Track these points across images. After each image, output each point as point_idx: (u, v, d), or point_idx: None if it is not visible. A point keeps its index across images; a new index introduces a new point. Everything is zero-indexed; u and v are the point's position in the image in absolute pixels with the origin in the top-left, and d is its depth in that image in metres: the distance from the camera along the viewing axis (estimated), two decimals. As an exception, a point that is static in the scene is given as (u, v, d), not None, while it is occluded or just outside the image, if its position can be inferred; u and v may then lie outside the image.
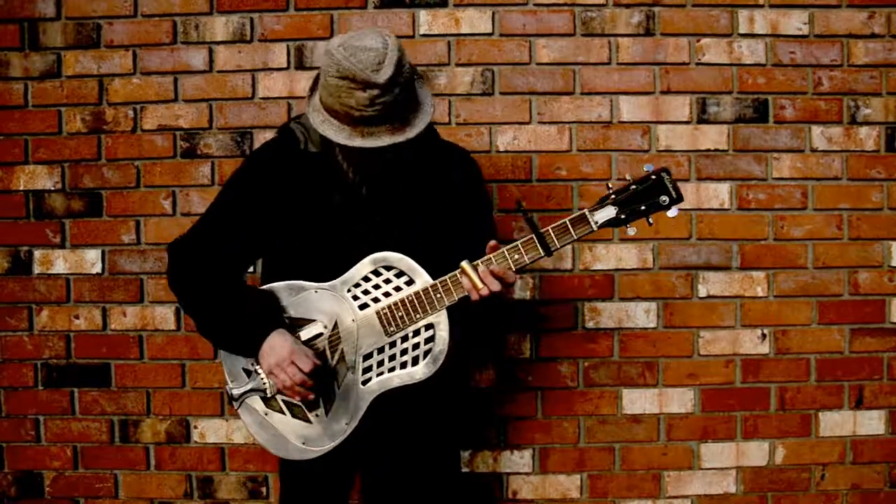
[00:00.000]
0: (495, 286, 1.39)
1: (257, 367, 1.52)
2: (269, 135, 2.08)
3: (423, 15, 2.09)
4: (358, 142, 1.37)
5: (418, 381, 1.46)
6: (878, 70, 2.10)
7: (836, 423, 2.14)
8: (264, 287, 1.54)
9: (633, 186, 1.39)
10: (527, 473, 2.14)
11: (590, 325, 2.13)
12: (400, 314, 1.45)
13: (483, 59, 2.10)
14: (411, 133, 1.39)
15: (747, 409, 2.14)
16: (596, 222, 1.40)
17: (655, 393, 2.14)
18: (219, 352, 1.58)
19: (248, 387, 1.53)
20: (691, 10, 2.10)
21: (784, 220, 2.13)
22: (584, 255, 2.12)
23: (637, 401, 2.14)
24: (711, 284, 2.13)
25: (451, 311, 1.46)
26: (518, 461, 2.14)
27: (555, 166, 2.12)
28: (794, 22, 2.10)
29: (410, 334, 1.46)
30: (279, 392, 1.51)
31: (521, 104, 2.11)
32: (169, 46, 2.11)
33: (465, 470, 2.13)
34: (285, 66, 2.10)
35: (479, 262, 1.41)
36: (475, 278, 1.39)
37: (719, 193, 2.12)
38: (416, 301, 1.44)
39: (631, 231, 1.41)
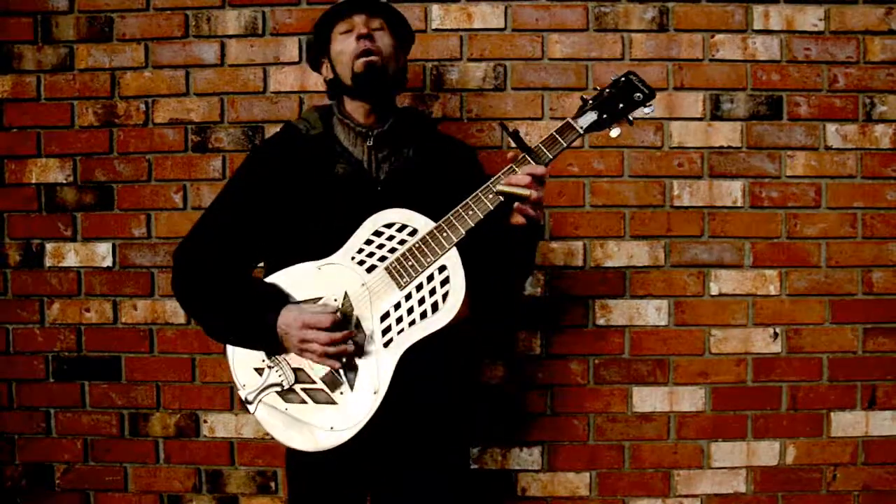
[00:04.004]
0: (525, 179, 1.39)
1: (268, 362, 1.50)
2: (279, 129, 2.09)
3: (436, 9, 2.09)
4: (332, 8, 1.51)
5: (443, 327, 1.40)
6: (894, 67, 2.08)
7: (849, 423, 2.13)
8: (267, 279, 1.51)
9: (607, 91, 1.46)
10: (536, 471, 2.14)
11: (601, 322, 2.12)
12: (410, 263, 1.42)
13: (495, 53, 2.09)
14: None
15: (758, 409, 2.13)
16: (581, 127, 1.44)
17: (666, 391, 2.12)
18: (228, 356, 1.54)
19: (263, 385, 1.49)
20: (706, 5, 2.08)
21: (797, 218, 2.11)
22: (596, 252, 2.11)
23: (647, 399, 2.13)
24: (723, 282, 2.11)
25: (474, 254, 1.45)
26: (527, 458, 2.14)
27: (566, 162, 2.10)
28: (810, 18, 2.08)
29: (424, 282, 1.42)
30: (297, 381, 1.48)
31: (534, 99, 2.10)
32: (181, 40, 2.11)
33: (473, 466, 2.12)
34: (297, 60, 2.10)
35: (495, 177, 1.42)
36: (515, 189, 1.38)
37: (732, 191, 2.11)
38: (423, 246, 1.41)
39: (614, 133, 1.45)
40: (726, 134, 2.10)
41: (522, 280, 1.91)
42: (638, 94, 1.45)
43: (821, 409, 2.13)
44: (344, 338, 1.41)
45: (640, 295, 2.12)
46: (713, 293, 2.12)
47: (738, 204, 2.11)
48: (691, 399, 2.13)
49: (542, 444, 2.13)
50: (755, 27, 2.08)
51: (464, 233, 1.41)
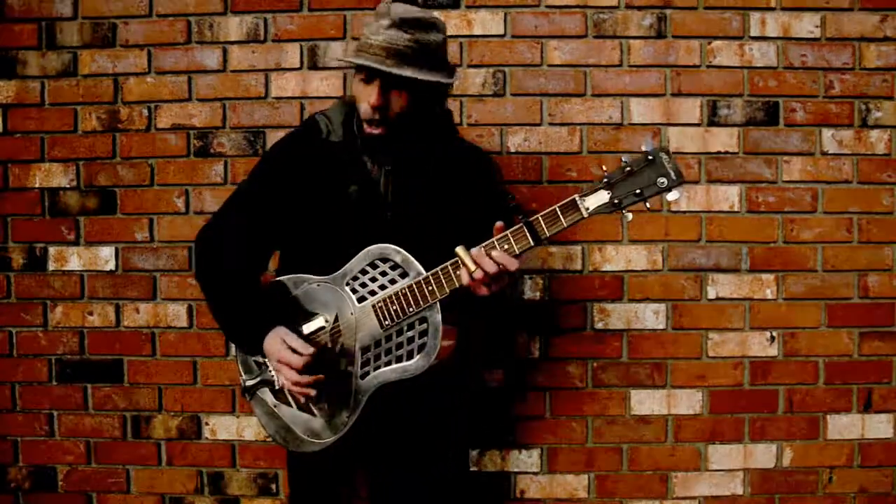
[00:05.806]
0: (490, 267, 1.32)
1: (267, 359, 1.56)
2: (281, 134, 2.08)
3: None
4: (350, 57, 1.39)
5: (412, 375, 1.43)
6: (890, 73, 2.10)
7: (845, 425, 2.14)
8: (275, 280, 1.58)
9: (628, 168, 1.28)
10: (535, 473, 2.16)
11: (599, 325, 2.14)
12: (394, 308, 1.43)
13: (495, 60, 2.11)
14: (399, 72, 1.35)
15: (755, 411, 2.14)
16: (587, 209, 1.30)
17: (664, 394, 2.14)
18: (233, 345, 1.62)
19: (259, 378, 1.57)
20: (703, 12, 2.10)
21: (794, 222, 2.13)
22: (594, 256, 2.13)
23: (645, 402, 2.14)
24: (720, 286, 2.13)
25: (455, 309, 1.45)
26: (526, 460, 2.16)
27: (565, 168, 2.12)
28: (806, 25, 2.10)
29: (405, 328, 1.45)
30: None
31: (533, 105, 2.12)
32: (183, 46, 2.13)
33: (473, 469, 2.14)
34: (298, 66, 2.12)
35: (476, 247, 1.36)
36: (468, 261, 1.33)
37: (729, 196, 2.12)
38: (409, 294, 1.41)
39: (629, 217, 1.30)
40: (723, 139, 2.12)
41: (496, 322, 1.97)
42: (662, 180, 1.25)
43: (817, 411, 2.15)
44: (307, 383, 1.47)
45: (638, 299, 2.13)
46: (710, 297, 2.14)
47: (736, 209, 2.13)
48: (689, 402, 2.14)
49: (541, 447, 2.15)
50: (752, 34, 2.10)
51: (448, 292, 1.39)
